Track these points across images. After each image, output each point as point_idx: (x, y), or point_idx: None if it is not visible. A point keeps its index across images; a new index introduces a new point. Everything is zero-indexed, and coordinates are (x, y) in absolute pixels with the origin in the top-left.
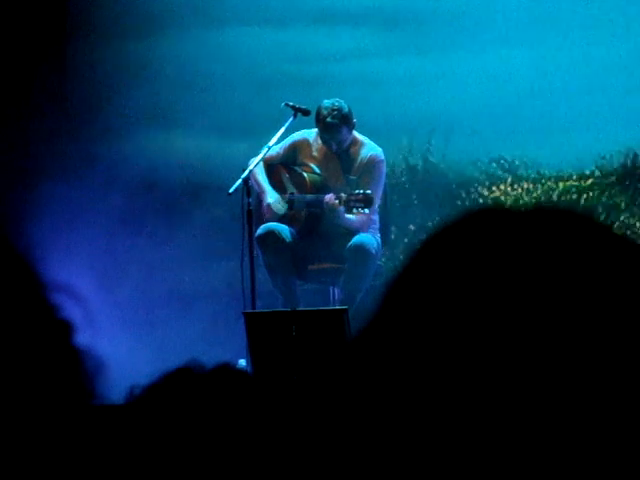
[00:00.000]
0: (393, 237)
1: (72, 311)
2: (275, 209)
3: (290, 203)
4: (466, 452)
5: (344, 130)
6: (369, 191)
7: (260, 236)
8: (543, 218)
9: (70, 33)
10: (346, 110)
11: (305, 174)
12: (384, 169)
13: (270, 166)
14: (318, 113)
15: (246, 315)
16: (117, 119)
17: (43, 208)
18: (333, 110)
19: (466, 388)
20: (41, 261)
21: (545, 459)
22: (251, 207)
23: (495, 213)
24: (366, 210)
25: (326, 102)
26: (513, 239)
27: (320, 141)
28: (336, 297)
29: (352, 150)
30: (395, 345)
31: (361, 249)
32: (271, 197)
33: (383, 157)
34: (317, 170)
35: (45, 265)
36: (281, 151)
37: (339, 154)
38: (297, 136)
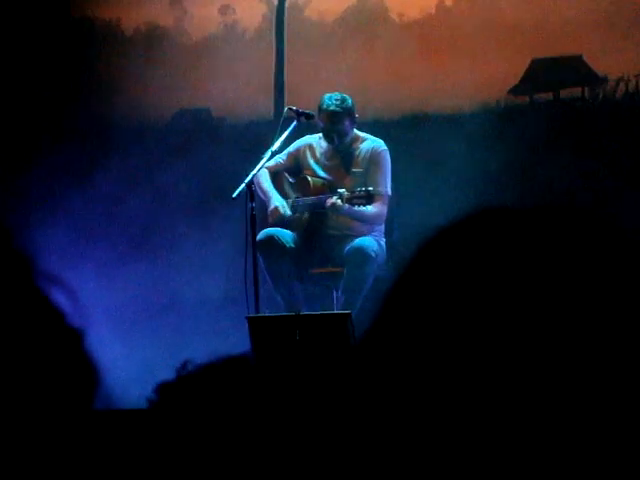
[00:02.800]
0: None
1: (66, 307)
2: (282, 211)
3: (294, 207)
4: (467, 454)
5: (346, 121)
6: (370, 188)
7: (260, 241)
8: (544, 216)
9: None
10: (350, 102)
11: (309, 177)
12: (388, 158)
13: (274, 174)
14: (321, 104)
15: (249, 320)
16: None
17: (49, 212)
18: (337, 100)
19: (470, 391)
20: (45, 262)
21: (546, 461)
22: (254, 212)
23: (495, 212)
24: (368, 207)
25: (329, 94)
26: (515, 238)
27: (323, 144)
28: (338, 300)
29: (354, 146)
30: (398, 349)
31: (360, 252)
32: (277, 201)
33: (386, 147)
34: (321, 173)
35: (47, 266)
36: (285, 158)
37: (341, 151)
38: (300, 142)
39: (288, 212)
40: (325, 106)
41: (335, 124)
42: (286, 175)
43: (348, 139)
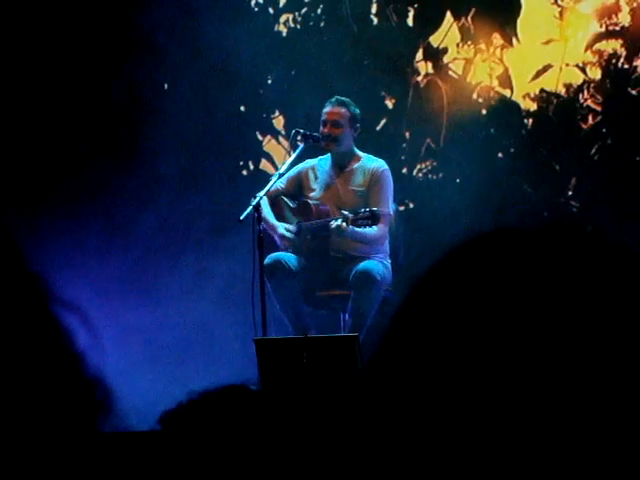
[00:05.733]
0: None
1: (78, 331)
2: (289, 235)
3: (298, 231)
4: (474, 476)
5: (343, 111)
6: (375, 208)
7: (267, 266)
8: (553, 237)
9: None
10: (353, 105)
11: (310, 201)
12: (390, 178)
13: (273, 200)
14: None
15: (257, 342)
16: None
17: (59, 227)
18: (337, 99)
19: (479, 413)
20: (52, 280)
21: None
22: (262, 234)
23: (505, 233)
24: (374, 227)
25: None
26: (524, 259)
27: (325, 164)
28: (345, 323)
29: (355, 166)
30: (406, 372)
31: (366, 275)
32: (281, 228)
33: (387, 167)
34: (323, 193)
35: (56, 284)
36: (285, 183)
37: (342, 170)
38: (301, 166)
39: (294, 233)
40: (326, 105)
41: (332, 108)
42: (285, 200)
43: (343, 144)
